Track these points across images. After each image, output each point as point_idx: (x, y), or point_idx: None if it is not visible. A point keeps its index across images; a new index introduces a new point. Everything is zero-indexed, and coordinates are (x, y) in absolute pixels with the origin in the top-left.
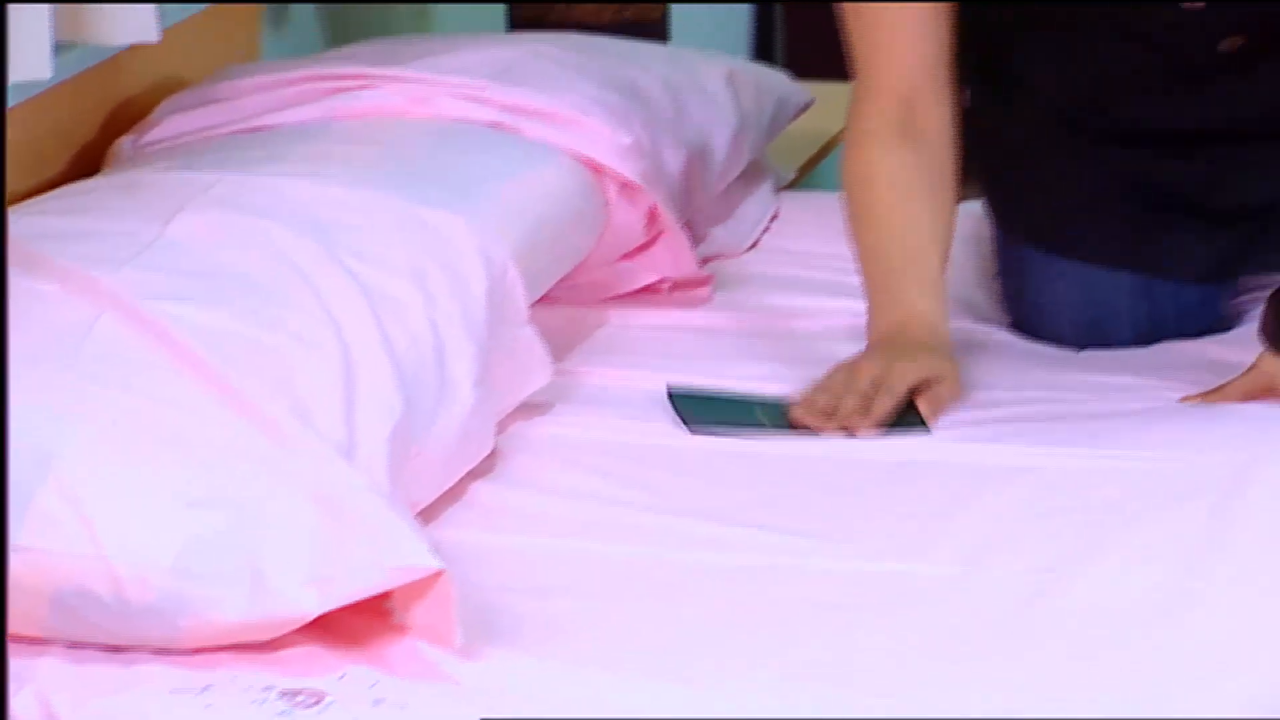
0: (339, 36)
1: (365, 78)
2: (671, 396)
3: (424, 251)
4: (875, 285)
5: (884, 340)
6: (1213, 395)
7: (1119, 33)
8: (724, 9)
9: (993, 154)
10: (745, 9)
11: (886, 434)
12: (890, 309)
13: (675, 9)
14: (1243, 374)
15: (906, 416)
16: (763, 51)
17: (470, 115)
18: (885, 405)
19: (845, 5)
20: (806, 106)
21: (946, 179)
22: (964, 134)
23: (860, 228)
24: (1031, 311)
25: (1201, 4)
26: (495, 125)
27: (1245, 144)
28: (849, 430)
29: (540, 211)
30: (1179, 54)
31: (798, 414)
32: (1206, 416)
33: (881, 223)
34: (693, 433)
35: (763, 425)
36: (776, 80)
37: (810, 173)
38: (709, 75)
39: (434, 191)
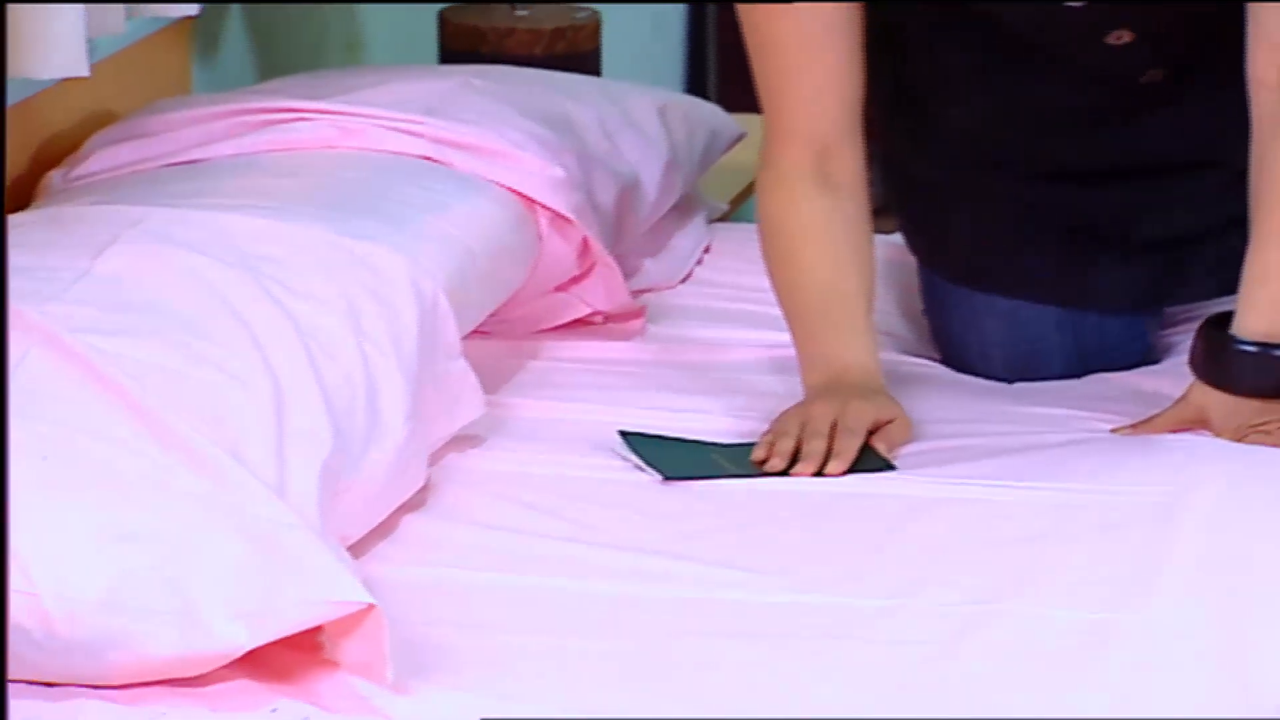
0: (269, 70)
1: (296, 111)
2: (629, 442)
3: (355, 284)
4: (807, 334)
5: (825, 386)
6: (1143, 426)
7: (1041, 69)
8: (657, 43)
9: (914, 193)
10: (678, 42)
11: (850, 476)
12: (826, 357)
13: (607, 43)
14: (1172, 405)
15: (871, 459)
16: (695, 84)
17: (402, 148)
18: (852, 445)
19: (757, 49)
20: (739, 139)
21: (864, 224)
22: (883, 173)
23: (785, 275)
24: (960, 348)
25: (1126, 40)
26: (427, 158)
27: (1166, 176)
28: (819, 474)
29: (472, 244)
30: (1101, 89)
31: (760, 458)
32: (1137, 448)
33: (808, 272)
34: (666, 480)
35: (729, 472)
36: (709, 113)
37: (743, 205)
38: (641, 108)
39: (365, 224)
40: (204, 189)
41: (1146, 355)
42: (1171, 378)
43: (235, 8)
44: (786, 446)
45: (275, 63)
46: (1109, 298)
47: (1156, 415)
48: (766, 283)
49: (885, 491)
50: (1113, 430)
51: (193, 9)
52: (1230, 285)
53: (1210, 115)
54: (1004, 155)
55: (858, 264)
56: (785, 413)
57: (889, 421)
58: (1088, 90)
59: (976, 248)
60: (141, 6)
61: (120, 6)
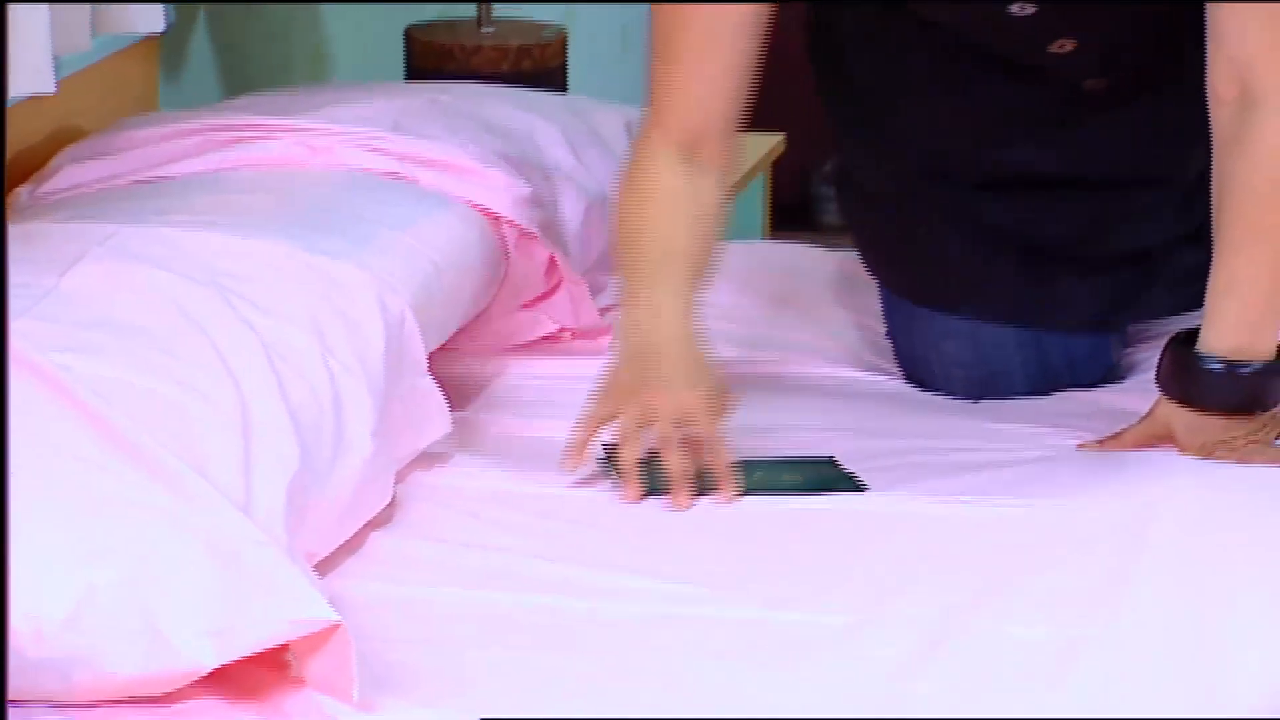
0: (236, 86)
1: (263, 128)
2: (608, 458)
3: (321, 301)
4: (631, 291)
5: (632, 357)
6: (1110, 443)
7: (987, 74)
8: (624, 59)
9: (870, 211)
10: (645, 59)
11: (819, 496)
12: (640, 323)
13: (574, 60)
14: (1139, 421)
15: (842, 480)
16: None
17: (368, 165)
18: (723, 459)
19: (659, 32)
20: None
21: (716, 200)
22: (839, 191)
23: (626, 233)
24: (922, 369)
25: (1069, 48)
26: (393, 175)
27: (1119, 191)
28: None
29: (438, 261)
30: (1046, 95)
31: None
32: (1104, 464)
33: (648, 231)
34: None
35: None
36: None
37: None
38: (608, 124)
39: (331, 241)
40: (171, 206)
41: (1110, 373)
42: (1138, 394)
43: (201, 26)
44: (628, 459)
45: (242, 80)
46: (1070, 316)
47: (1123, 431)
48: (733, 299)
49: (852, 508)
50: (1079, 447)
51: (158, 25)
52: (1192, 301)
53: (1158, 126)
54: (956, 163)
55: (697, 232)
56: (595, 394)
57: (705, 401)
58: (1032, 96)
59: (934, 267)
60: (107, 10)
61: (86, 24)
